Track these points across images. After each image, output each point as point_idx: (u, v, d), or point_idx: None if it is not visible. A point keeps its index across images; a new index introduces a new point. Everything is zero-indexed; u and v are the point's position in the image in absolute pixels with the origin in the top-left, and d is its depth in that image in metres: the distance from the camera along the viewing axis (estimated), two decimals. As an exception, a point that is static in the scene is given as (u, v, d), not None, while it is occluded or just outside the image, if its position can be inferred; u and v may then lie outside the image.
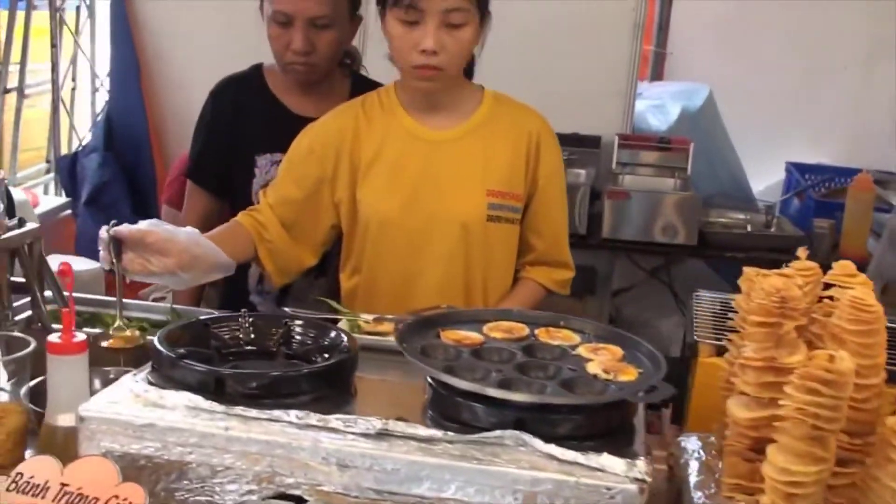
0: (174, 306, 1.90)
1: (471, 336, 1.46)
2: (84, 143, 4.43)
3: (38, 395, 1.46)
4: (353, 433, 1.23)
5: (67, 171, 4.34)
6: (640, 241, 3.56)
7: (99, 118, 4.45)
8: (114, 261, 1.62)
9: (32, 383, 1.51)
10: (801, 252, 1.33)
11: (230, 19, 4.11)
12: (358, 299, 1.96)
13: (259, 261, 1.96)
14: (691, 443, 1.43)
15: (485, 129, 1.95)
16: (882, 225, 3.52)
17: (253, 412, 1.26)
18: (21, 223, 1.64)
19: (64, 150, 4.43)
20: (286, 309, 1.75)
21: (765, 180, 4.62)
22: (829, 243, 3.53)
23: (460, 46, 1.81)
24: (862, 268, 3.41)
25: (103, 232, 1.63)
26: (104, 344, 1.61)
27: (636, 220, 3.53)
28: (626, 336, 1.48)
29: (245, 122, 2.26)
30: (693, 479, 1.32)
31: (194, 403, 1.28)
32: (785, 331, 1.16)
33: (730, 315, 1.81)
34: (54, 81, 4.30)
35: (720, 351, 1.65)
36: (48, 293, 1.73)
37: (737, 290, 4.05)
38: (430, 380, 1.34)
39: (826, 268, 3.72)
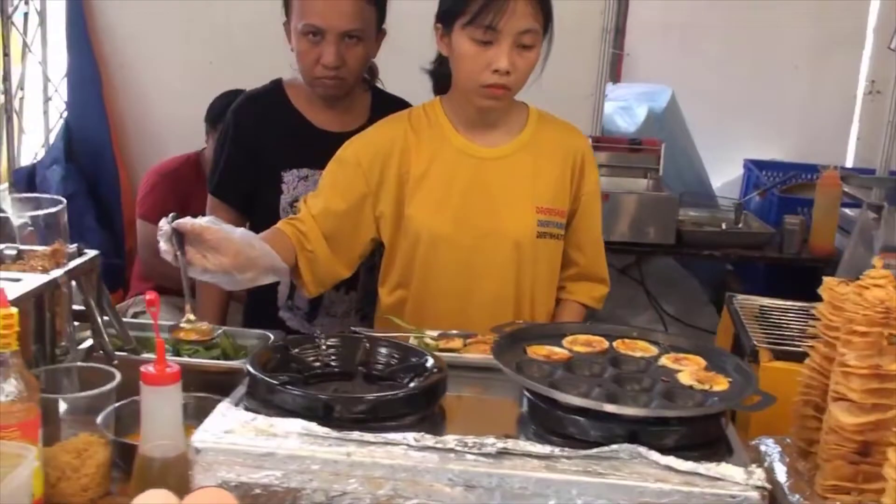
0: (224, 328, 1.87)
1: (557, 351, 1.49)
2: (38, 155, 4.31)
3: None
4: (472, 454, 1.25)
5: (25, 183, 4.22)
6: (618, 241, 3.63)
7: (55, 128, 4.33)
8: (177, 253, 1.61)
9: (107, 411, 1.48)
10: (877, 261, 1.39)
11: (193, 25, 4.07)
12: (406, 314, 1.96)
13: (297, 270, 1.94)
14: (770, 446, 1.49)
15: (533, 147, 1.99)
16: (847, 220, 3.67)
17: (369, 436, 1.27)
18: (80, 250, 1.61)
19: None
20: (355, 329, 1.76)
21: (723, 177, 4.76)
22: (800, 239, 3.66)
23: (528, 67, 1.85)
24: (831, 262, 3.56)
25: (165, 224, 1.63)
26: (180, 336, 1.63)
27: (614, 221, 3.60)
28: (702, 346, 1.53)
29: (269, 138, 2.25)
30: (784, 481, 1.38)
31: (308, 430, 1.28)
32: (888, 339, 1.23)
33: (773, 318, 1.90)
34: (7, 91, 4.17)
35: (777, 355, 1.72)
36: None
37: (711, 285, 4.15)
38: (528, 395, 1.37)
39: (797, 262, 3.84)
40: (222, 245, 1.64)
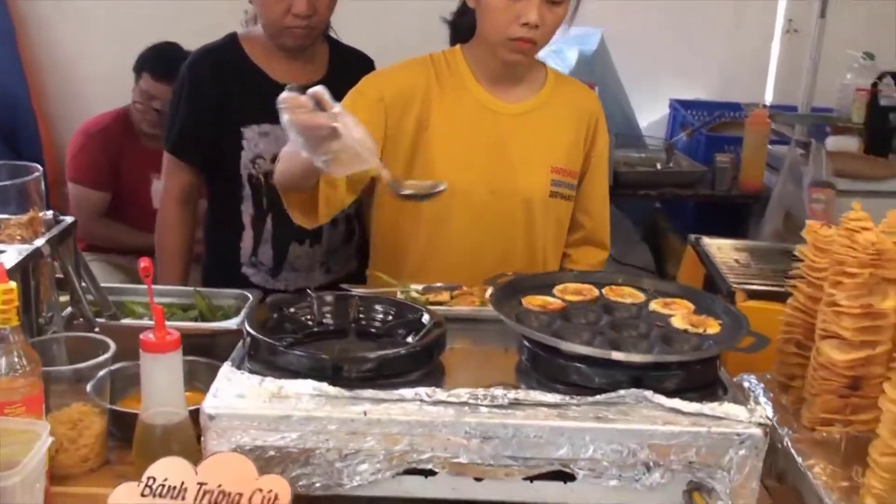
0: (198, 289, 1.84)
1: (551, 301, 1.52)
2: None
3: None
4: (486, 406, 1.28)
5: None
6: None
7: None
8: (335, 111, 1.48)
9: (97, 379, 1.45)
10: (856, 205, 1.45)
11: None
12: (407, 267, 1.95)
13: (310, 198, 1.86)
14: (752, 383, 1.55)
15: (551, 106, 1.98)
16: (774, 157, 3.79)
17: (382, 394, 1.28)
18: (56, 217, 1.56)
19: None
20: (345, 286, 1.75)
21: (649, 117, 4.83)
22: (730, 176, 3.76)
23: (556, 23, 1.84)
24: (760, 198, 3.67)
25: (294, 94, 1.49)
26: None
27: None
28: (687, 289, 1.58)
29: (227, 94, 2.20)
30: (771, 415, 1.44)
31: (320, 391, 1.28)
32: (878, 280, 1.29)
33: (742, 262, 1.96)
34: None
35: (751, 295, 1.78)
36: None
37: (641, 224, 4.18)
38: (529, 345, 1.40)
39: (728, 199, 3.94)
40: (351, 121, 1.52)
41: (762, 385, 1.54)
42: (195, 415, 1.31)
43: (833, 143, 3.80)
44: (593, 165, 2.05)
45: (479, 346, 1.58)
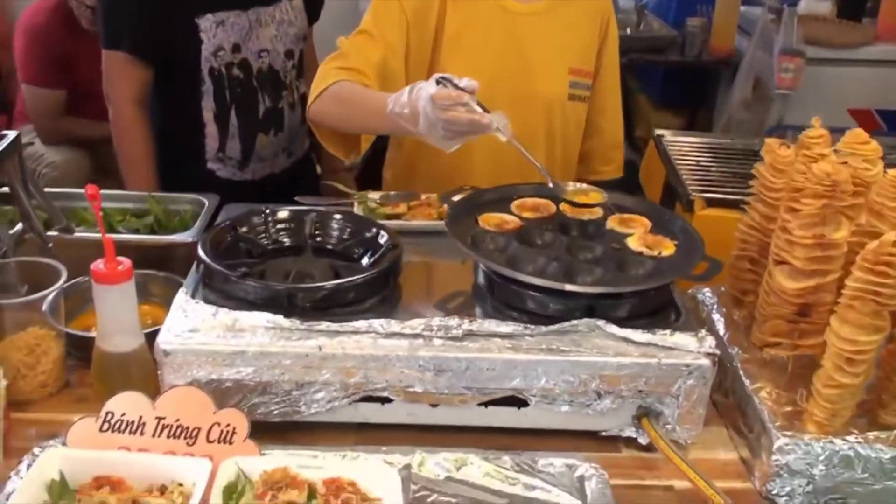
0: (153, 194, 1.81)
1: (507, 219, 1.51)
2: None
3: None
4: (440, 338, 1.29)
5: None
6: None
7: None
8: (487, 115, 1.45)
9: (51, 299, 1.44)
10: (815, 121, 1.43)
11: None
12: (422, 179, 1.90)
13: None
14: (706, 296, 1.57)
15: (565, 4, 1.90)
16: (749, 21, 3.71)
17: (336, 326, 1.29)
18: (-2, 131, 1.51)
19: None
20: (299, 199, 1.72)
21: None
22: (701, 40, 3.69)
23: None
24: (730, 63, 3.62)
25: (449, 92, 1.45)
26: None
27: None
28: (646, 205, 1.58)
29: None
30: (722, 333, 1.47)
31: (275, 323, 1.29)
32: (832, 210, 1.29)
33: (704, 163, 1.95)
34: None
35: (710, 203, 1.78)
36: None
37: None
38: (485, 270, 1.40)
39: (698, 64, 3.89)
40: None
41: (716, 299, 1.56)
42: (152, 337, 1.32)
43: (806, 5, 3.72)
44: (605, 63, 1.99)
45: (437, 258, 1.58)
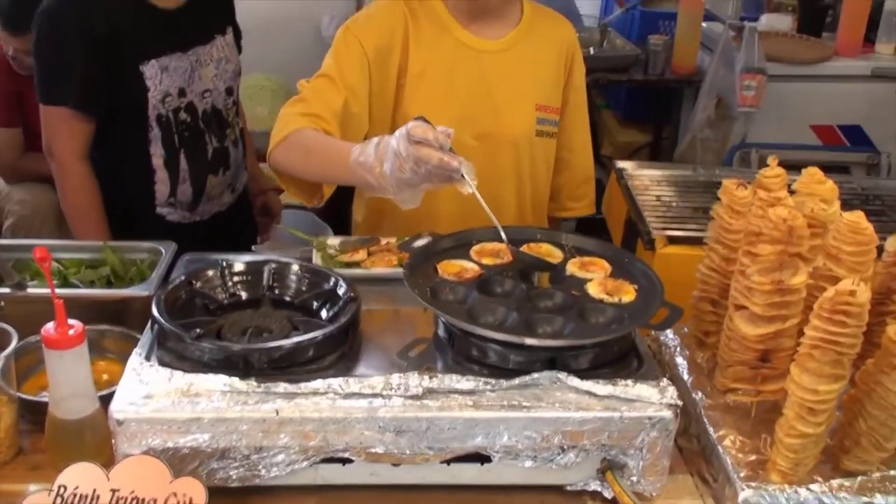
0: (108, 243, 1.78)
1: (467, 267, 1.49)
2: None
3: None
4: (399, 396, 1.27)
5: None
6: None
7: None
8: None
9: (3, 363, 1.41)
10: (772, 160, 1.43)
11: None
12: (394, 220, 1.86)
13: None
14: (669, 338, 1.56)
15: (530, 39, 1.88)
16: (710, 38, 3.72)
17: (293, 388, 1.27)
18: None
19: None
20: (257, 248, 1.70)
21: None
22: (664, 58, 3.70)
23: None
24: (693, 82, 3.63)
25: (425, 127, 1.42)
26: None
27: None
28: (606, 247, 1.57)
29: (115, 31, 2.01)
30: (686, 378, 1.46)
31: (231, 386, 1.27)
32: (789, 255, 1.28)
33: (665, 197, 1.95)
34: None
35: (671, 240, 1.78)
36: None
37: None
38: (445, 322, 1.39)
39: (661, 83, 3.91)
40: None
41: (678, 340, 1.55)
42: (109, 399, 1.29)
43: (767, 20, 3.74)
44: (572, 99, 1.98)
45: (397, 305, 1.56)
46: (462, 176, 1.42)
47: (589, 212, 2.07)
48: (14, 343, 1.39)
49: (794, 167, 1.56)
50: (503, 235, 1.50)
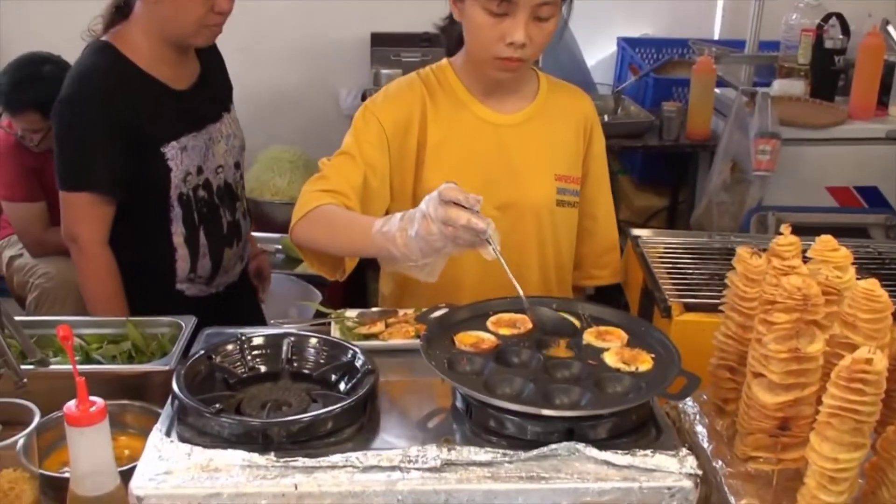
0: (130, 318, 1.81)
1: (484, 337, 1.50)
2: None
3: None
4: (417, 468, 1.27)
5: None
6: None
7: None
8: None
9: (25, 439, 1.42)
10: (785, 228, 1.44)
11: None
12: (418, 292, 1.87)
13: None
14: (689, 406, 1.56)
15: (547, 112, 1.92)
16: (724, 103, 3.76)
17: (312, 462, 1.27)
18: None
19: None
20: (276, 321, 1.72)
21: (597, 55, 4.76)
22: (678, 124, 3.73)
23: (545, 39, 1.76)
24: (707, 146, 3.66)
25: (473, 218, 1.44)
26: None
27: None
28: (622, 317, 1.57)
29: (138, 116, 2.07)
30: (707, 446, 1.46)
31: (250, 461, 1.27)
32: (805, 322, 1.29)
33: (681, 265, 1.95)
34: None
35: (688, 307, 1.78)
36: None
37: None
38: (462, 394, 1.39)
39: (676, 148, 3.94)
40: None
41: (698, 408, 1.54)
42: (129, 474, 1.30)
43: (779, 86, 3.77)
44: (593, 169, 2.02)
45: (416, 376, 1.56)
46: (488, 240, 1.45)
47: (615, 279, 2.09)
48: (36, 420, 1.41)
49: (812, 230, 1.58)
50: (522, 297, 1.51)
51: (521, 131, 1.91)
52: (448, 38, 1.95)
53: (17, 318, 1.65)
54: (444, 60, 1.94)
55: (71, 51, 3.80)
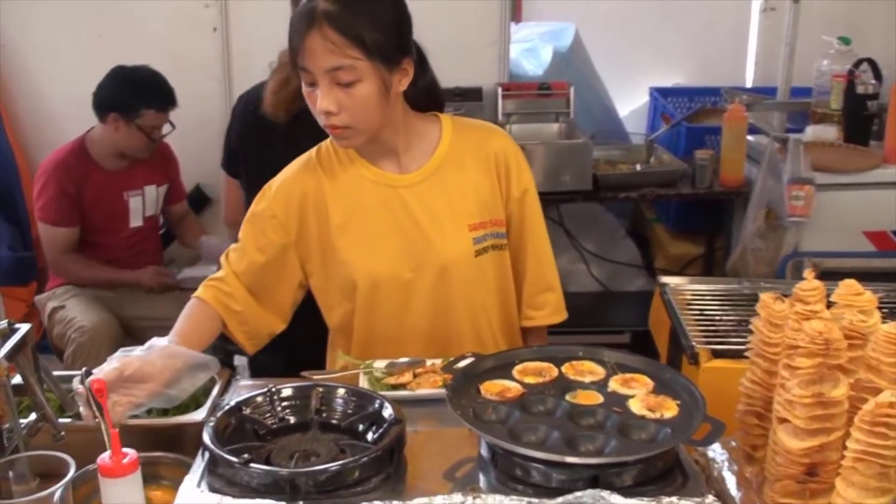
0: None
1: (510, 386, 1.52)
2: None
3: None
4: (443, 517, 1.28)
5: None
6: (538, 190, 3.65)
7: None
8: (97, 415, 1.42)
9: (62, 491, 1.45)
10: (808, 273, 1.44)
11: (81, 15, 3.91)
12: (358, 353, 1.89)
13: (230, 333, 1.87)
14: (717, 453, 1.55)
15: (452, 161, 1.88)
16: (756, 150, 3.76)
17: (340, 512, 1.29)
18: (10, 327, 1.55)
19: None
20: (305, 373, 1.74)
21: (629, 105, 4.81)
22: (711, 172, 3.73)
23: (357, 104, 1.70)
24: (741, 193, 3.64)
25: (79, 386, 1.47)
26: None
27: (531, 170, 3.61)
28: (648, 363, 1.58)
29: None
30: (736, 495, 1.45)
31: (279, 512, 1.29)
32: (828, 367, 1.28)
33: (709, 311, 1.96)
34: None
35: (716, 353, 1.78)
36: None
37: (626, 216, 4.16)
38: (488, 442, 1.40)
39: (709, 195, 3.94)
40: (145, 371, 1.53)
41: (727, 455, 1.53)
42: (161, 526, 1.32)
43: (812, 132, 3.77)
44: (515, 213, 1.93)
45: (443, 426, 1.58)
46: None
47: (554, 319, 2.00)
48: (72, 472, 1.44)
49: (850, 275, 1.54)
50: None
51: (424, 189, 1.86)
52: None
53: (55, 372, 1.70)
54: None
55: (71, 51, 3.96)
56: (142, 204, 3.56)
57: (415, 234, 1.85)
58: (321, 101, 1.69)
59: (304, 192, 1.87)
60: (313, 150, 1.92)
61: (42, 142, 3.96)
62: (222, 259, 1.90)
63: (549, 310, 1.98)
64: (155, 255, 3.72)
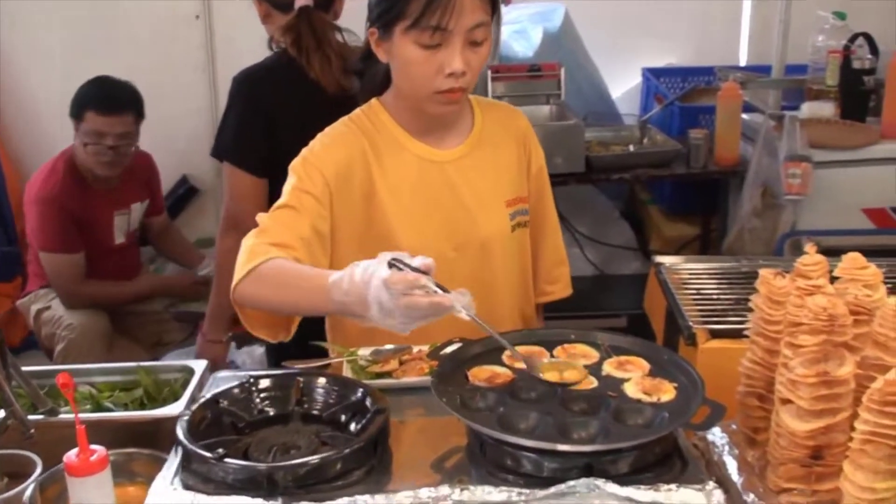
0: (142, 364, 1.77)
1: (499, 372, 1.45)
2: None
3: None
4: (429, 510, 1.21)
5: None
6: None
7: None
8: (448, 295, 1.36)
9: (30, 491, 1.39)
10: (810, 248, 1.37)
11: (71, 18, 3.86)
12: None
13: None
14: (717, 436, 1.48)
15: (487, 139, 1.86)
16: (751, 128, 3.69)
17: (320, 507, 1.22)
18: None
19: None
20: (286, 363, 1.67)
21: (622, 87, 4.72)
22: (705, 151, 3.67)
23: (482, 62, 1.69)
24: (736, 172, 3.58)
25: (405, 275, 1.37)
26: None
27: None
28: (643, 345, 1.51)
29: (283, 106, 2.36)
30: (737, 479, 1.38)
31: (255, 508, 1.22)
32: (833, 345, 1.22)
33: (706, 290, 1.89)
34: None
35: (714, 334, 1.71)
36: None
37: (619, 198, 4.09)
38: (476, 431, 1.33)
39: (704, 175, 3.87)
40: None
41: (727, 438, 1.47)
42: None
43: (808, 108, 3.69)
44: (535, 185, 1.94)
45: (430, 415, 1.51)
46: (460, 309, 1.36)
47: (566, 293, 2.02)
48: (38, 471, 1.37)
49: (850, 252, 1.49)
50: (513, 351, 1.47)
51: (466, 165, 1.84)
52: (370, 81, 1.85)
53: (26, 368, 1.63)
54: (375, 101, 1.84)
55: (70, 50, 3.91)
56: (127, 222, 3.47)
57: (458, 211, 1.82)
58: (457, 61, 1.64)
59: (352, 157, 1.78)
60: (347, 119, 1.83)
61: (25, 135, 3.90)
62: (265, 217, 1.72)
63: (563, 284, 2.03)
64: (137, 269, 3.65)
